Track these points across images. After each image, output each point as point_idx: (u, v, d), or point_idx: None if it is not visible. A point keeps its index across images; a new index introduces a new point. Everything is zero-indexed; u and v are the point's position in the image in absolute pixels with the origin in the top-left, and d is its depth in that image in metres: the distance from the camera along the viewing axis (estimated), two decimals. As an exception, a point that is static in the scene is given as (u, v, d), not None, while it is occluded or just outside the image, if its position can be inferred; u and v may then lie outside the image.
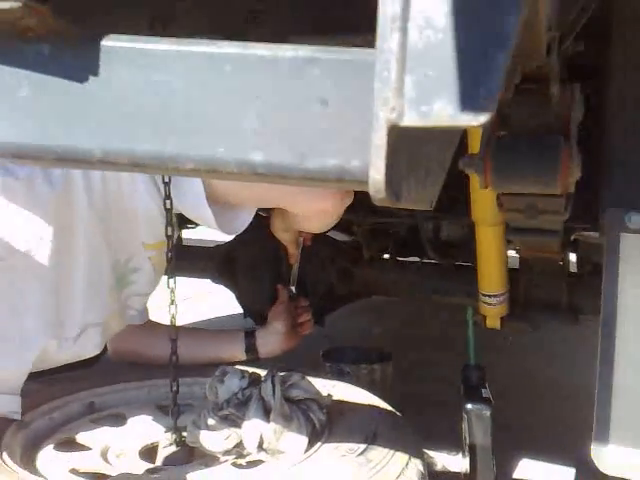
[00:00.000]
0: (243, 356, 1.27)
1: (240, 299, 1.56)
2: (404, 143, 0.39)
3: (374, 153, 0.37)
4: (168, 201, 0.93)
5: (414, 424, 1.18)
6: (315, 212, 1.06)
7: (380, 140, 0.37)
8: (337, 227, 1.73)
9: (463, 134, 0.90)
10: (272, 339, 1.28)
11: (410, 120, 0.36)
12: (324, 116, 0.40)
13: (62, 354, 1.06)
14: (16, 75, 0.42)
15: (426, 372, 2.07)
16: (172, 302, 1.00)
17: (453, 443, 1.39)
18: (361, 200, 1.50)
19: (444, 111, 0.35)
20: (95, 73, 0.41)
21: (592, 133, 0.83)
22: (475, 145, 0.76)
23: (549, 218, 0.75)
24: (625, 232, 0.75)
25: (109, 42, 0.41)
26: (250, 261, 1.50)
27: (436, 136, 0.46)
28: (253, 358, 1.28)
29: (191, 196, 0.93)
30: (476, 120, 0.34)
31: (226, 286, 1.61)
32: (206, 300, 2.98)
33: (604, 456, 0.75)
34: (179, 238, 1.90)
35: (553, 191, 0.65)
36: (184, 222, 1.23)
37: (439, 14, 0.32)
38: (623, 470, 0.76)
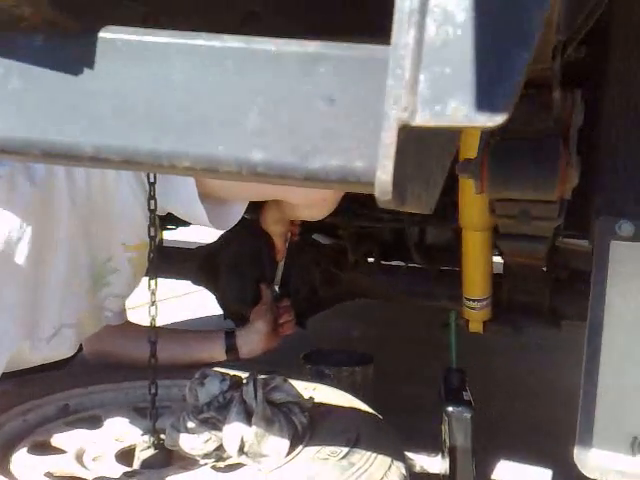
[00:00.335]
0: (223, 356, 1.25)
1: (221, 300, 1.53)
2: (412, 144, 0.38)
3: (382, 153, 0.35)
4: (152, 202, 0.90)
5: (394, 426, 1.18)
6: (315, 200, 1.04)
7: (389, 140, 0.35)
8: (322, 230, 1.73)
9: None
10: (253, 339, 1.26)
11: (422, 120, 0.34)
12: (329, 115, 0.38)
13: (35, 355, 1.03)
14: (6, 65, 0.39)
15: (406, 375, 2.07)
16: (153, 303, 0.97)
17: (432, 445, 1.39)
18: (348, 203, 1.49)
19: (459, 111, 0.34)
20: (90, 66, 0.39)
21: (585, 139, 0.83)
22: (467, 150, 0.75)
23: (541, 224, 0.75)
24: (615, 240, 0.75)
25: (106, 34, 0.39)
26: (232, 262, 1.47)
27: (440, 137, 0.45)
28: (233, 358, 1.25)
29: (183, 194, 0.90)
30: (492, 121, 0.33)
31: (207, 287, 1.58)
32: (183, 301, 2.94)
33: (587, 459, 0.75)
34: (160, 239, 1.87)
35: (550, 197, 0.64)
36: (165, 223, 1.21)
37: (459, 9, 0.31)
38: (605, 473, 0.76)
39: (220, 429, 0.93)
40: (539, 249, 0.91)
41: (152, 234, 0.91)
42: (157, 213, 0.92)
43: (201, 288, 1.71)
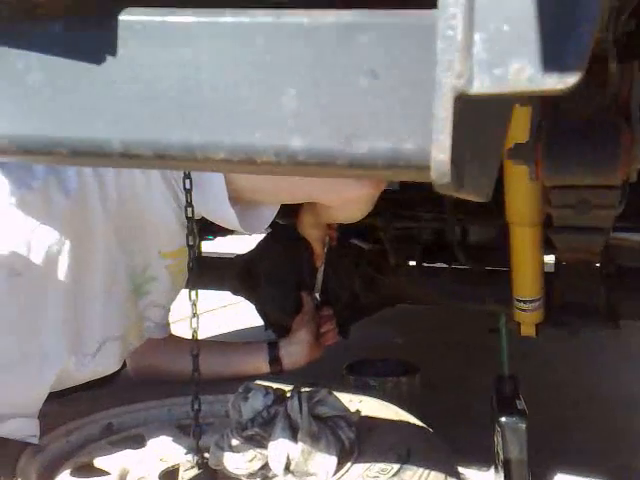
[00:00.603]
0: (267, 368, 1.22)
1: (261, 310, 1.50)
2: (470, 117, 0.33)
3: (437, 128, 0.31)
4: (190, 209, 0.88)
5: (443, 438, 1.12)
6: (350, 200, 1.01)
7: (445, 112, 0.31)
8: (361, 233, 1.68)
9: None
10: (296, 350, 1.22)
11: (481, 86, 0.30)
12: (374, 91, 0.34)
13: (81, 371, 1.02)
14: (25, 58, 0.37)
15: (454, 383, 2.00)
16: (194, 315, 0.94)
17: (484, 458, 1.32)
18: (386, 204, 1.45)
19: (522, 74, 0.29)
20: (112, 53, 0.36)
21: None
22: (515, 133, 0.70)
23: (602, 214, 0.69)
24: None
25: (127, 16, 0.36)
26: (271, 270, 1.44)
27: (494, 111, 0.40)
28: (277, 370, 1.22)
29: (212, 197, 0.88)
30: (563, 83, 0.29)
31: (246, 297, 1.55)
32: (227, 313, 2.93)
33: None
34: (198, 249, 1.86)
35: (613, 181, 0.58)
36: (203, 232, 1.19)
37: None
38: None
39: (265, 446, 0.89)
40: (597, 242, 0.85)
41: (190, 243, 0.89)
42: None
43: (242, 299, 1.69)
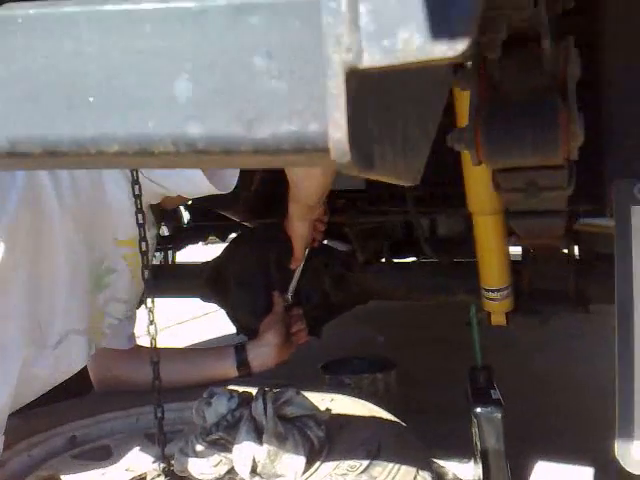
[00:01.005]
0: (235, 372, 1.20)
1: (232, 315, 1.48)
2: (372, 94, 0.32)
3: (331, 106, 0.30)
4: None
5: (422, 433, 1.10)
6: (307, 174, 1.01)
7: (337, 89, 0.29)
8: (332, 234, 1.67)
9: (451, 107, 0.83)
10: (264, 351, 1.20)
11: (371, 59, 0.29)
12: (270, 71, 0.32)
13: (41, 366, 0.99)
14: None
15: (432, 377, 2.00)
16: (151, 322, 0.92)
17: (465, 450, 1.31)
18: (352, 201, 1.44)
19: (411, 43, 0.28)
20: (-9, 49, 0.34)
21: (589, 101, 0.76)
22: (464, 118, 0.69)
23: (552, 195, 0.68)
24: (635, 204, 0.68)
25: (6, 11, 0.34)
26: (239, 274, 1.42)
27: (415, 90, 0.39)
28: (246, 373, 1.20)
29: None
30: (452, 50, 0.27)
31: (217, 303, 1.53)
32: (203, 322, 2.90)
33: (629, 454, 0.68)
34: (165, 258, 1.84)
35: (555, 160, 0.57)
36: (160, 218, 1.17)
37: None
38: (653, 468, 0.68)
39: (230, 450, 0.87)
40: (555, 225, 0.84)
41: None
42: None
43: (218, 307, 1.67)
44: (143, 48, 0.33)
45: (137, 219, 0.87)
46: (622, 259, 0.68)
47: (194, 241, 2.06)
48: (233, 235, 1.83)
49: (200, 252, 2.17)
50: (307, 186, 1.11)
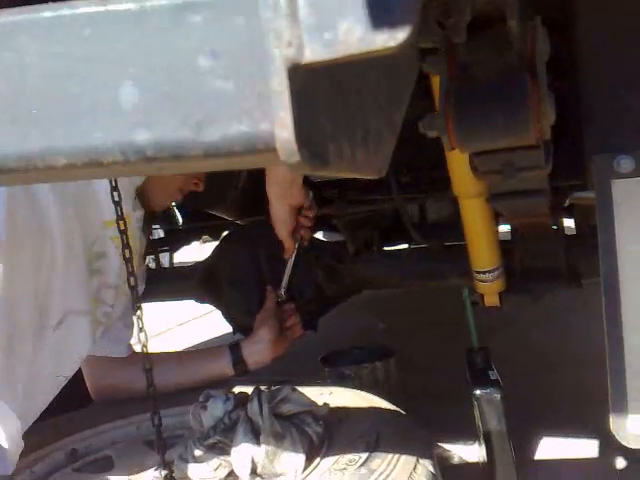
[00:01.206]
0: (232, 371, 1.19)
1: (227, 314, 1.47)
2: (320, 87, 0.31)
3: (276, 104, 0.29)
4: (122, 223, 0.86)
5: (426, 418, 1.10)
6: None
7: (280, 86, 0.28)
8: (323, 225, 1.66)
9: (430, 92, 0.82)
10: (259, 348, 1.20)
11: (313, 53, 0.28)
12: (217, 71, 0.31)
13: (43, 343, 0.99)
14: None
15: (433, 362, 1.99)
16: (141, 330, 0.91)
17: (469, 433, 1.31)
18: (338, 191, 1.42)
19: (352, 34, 0.27)
20: None
21: (567, 79, 0.75)
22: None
23: (530, 175, 0.67)
24: (616, 178, 0.67)
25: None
26: (231, 273, 1.41)
27: (370, 75, 0.38)
28: (242, 371, 1.19)
29: None
30: (393, 40, 0.26)
31: (211, 303, 1.52)
32: (203, 322, 2.90)
33: (625, 429, 0.67)
34: (157, 261, 1.83)
35: (527, 140, 0.56)
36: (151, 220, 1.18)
37: None
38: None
39: (229, 453, 0.87)
40: (539, 204, 0.83)
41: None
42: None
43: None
44: (84, 54, 0.32)
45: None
46: (605, 233, 0.67)
47: (188, 242, 2.05)
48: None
49: (198, 252, 2.16)
50: (274, 189, 1.12)
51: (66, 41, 0.32)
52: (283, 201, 1.15)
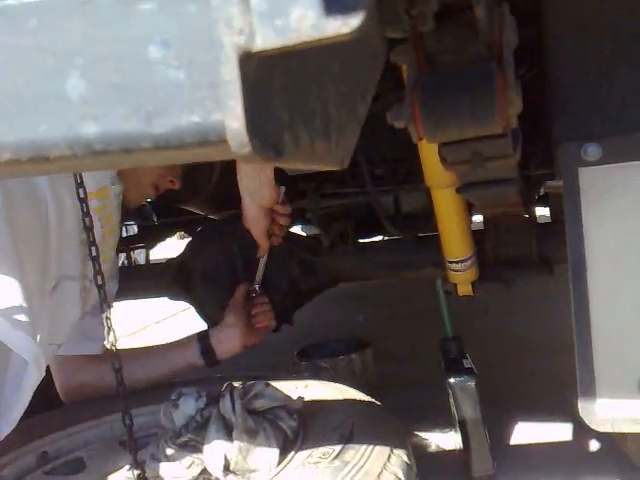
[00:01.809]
0: (201, 360, 1.17)
1: (200, 310, 1.45)
2: (273, 76, 0.30)
3: (226, 94, 0.28)
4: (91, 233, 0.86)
5: (404, 407, 1.10)
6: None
7: (230, 75, 0.27)
8: (298, 218, 1.64)
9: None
10: (227, 335, 1.18)
11: (264, 41, 0.27)
12: (168, 60, 0.30)
13: (42, 311, 0.97)
14: None
15: (414, 350, 2.01)
16: (109, 329, 0.89)
17: (446, 420, 1.32)
18: (311, 185, 1.41)
19: (305, 21, 0.26)
20: None
21: (536, 68, 0.75)
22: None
23: (499, 164, 0.67)
24: (583, 166, 0.67)
25: None
26: (204, 268, 1.40)
27: (330, 63, 0.37)
28: (212, 361, 1.18)
29: None
30: (347, 26, 0.25)
31: (184, 300, 1.51)
32: (180, 319, 2.87)
33: (593, 412, 0.68)
34: (129, 258, 1.80)
35: (495, 129, 0.56)
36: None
37: None
38: (617, 424, 0.69)
39: (202, 451, 0.85)
40: (508, 193, 0.83)
41: (94, 254, 0.85)
42: None
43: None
44: (30, 45, 0.31)
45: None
46: (572, 221, 0.68)
47: (163, 238, 2.02)
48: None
49: (177, 248, 2.14)
50: (246, 183, 1.10)
51: (11, 31, 0.30)
52: (255, 201, 1.13)
